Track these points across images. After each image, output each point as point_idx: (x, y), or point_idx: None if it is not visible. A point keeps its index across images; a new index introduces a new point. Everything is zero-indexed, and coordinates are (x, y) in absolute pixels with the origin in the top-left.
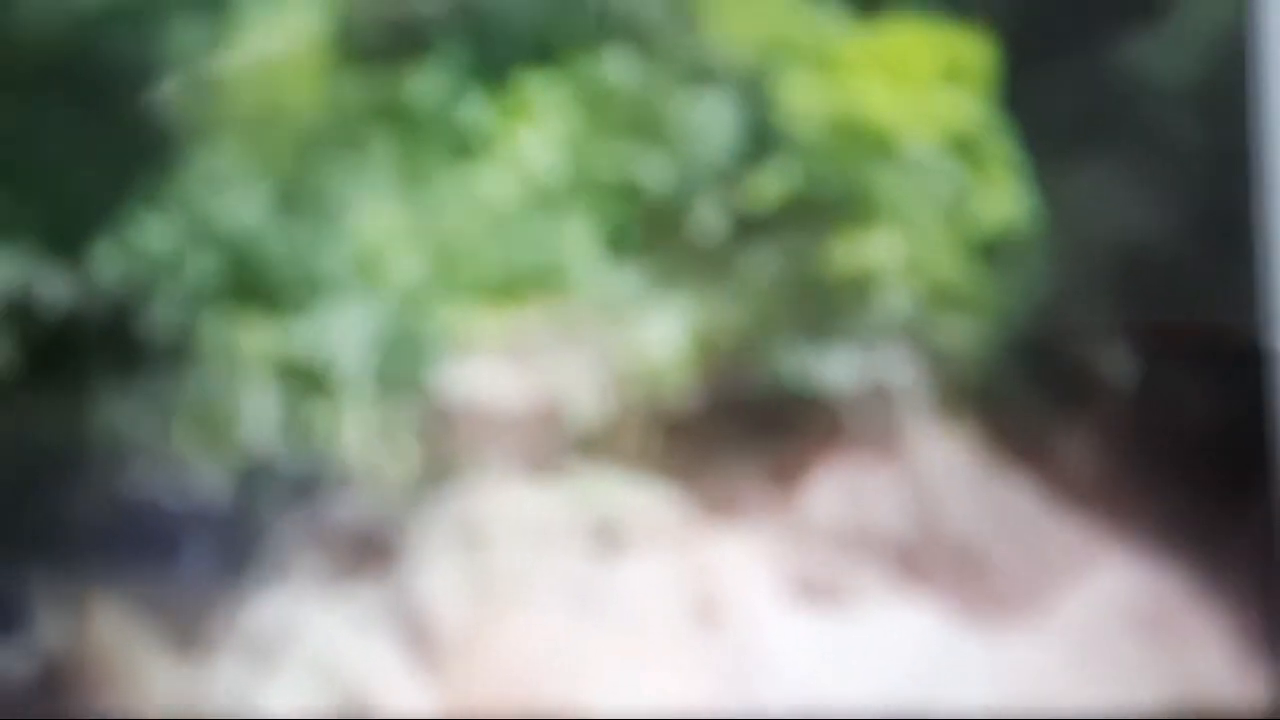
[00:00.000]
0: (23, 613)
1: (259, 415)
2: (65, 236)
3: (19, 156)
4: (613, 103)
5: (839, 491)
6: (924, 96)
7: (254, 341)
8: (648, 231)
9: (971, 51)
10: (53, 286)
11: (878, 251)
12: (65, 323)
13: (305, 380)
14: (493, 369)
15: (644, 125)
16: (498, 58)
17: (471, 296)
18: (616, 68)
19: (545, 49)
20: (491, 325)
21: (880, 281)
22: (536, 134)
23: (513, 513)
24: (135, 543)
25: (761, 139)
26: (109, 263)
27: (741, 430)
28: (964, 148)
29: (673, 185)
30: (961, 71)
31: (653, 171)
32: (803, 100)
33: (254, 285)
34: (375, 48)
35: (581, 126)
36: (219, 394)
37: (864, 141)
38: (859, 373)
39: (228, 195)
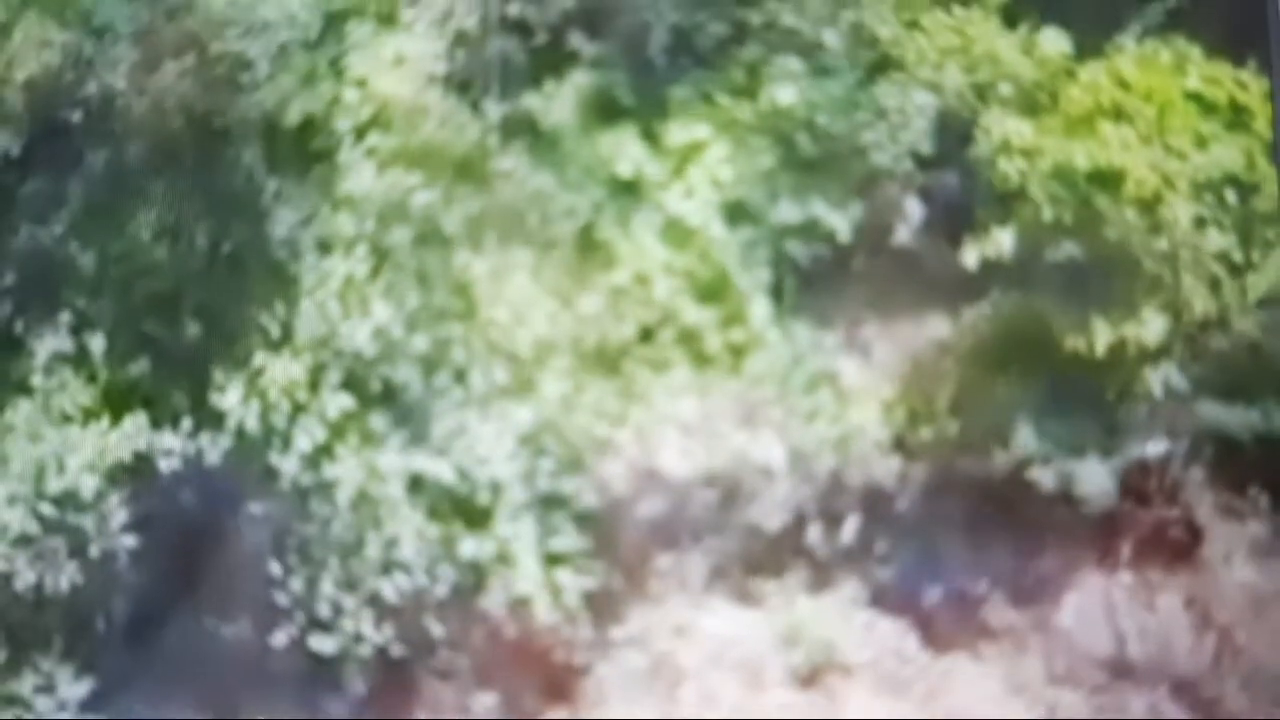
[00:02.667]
0: None
1: (405, 542)
2: (194, 375)
3: (159, 285)
4: (789, 135)
5: (1104, 608)
6: (1183, 143)
7: (393, 464)
8: (836, 281)
9: (1238, 88)
10: (179, 436)
11: (1143, 326)
12: (197, 470)
13: (453, 501)
14: (668, 461)
15: (825, 159)
16: (652, 84)
17: (632, 386)
18: (791, 94)
19: (706, 74)
20: (661, 413)
21: (1144, 357)
22: (701, 176)
23: (707, 639)
24: (282, 684)
25: (969, 185)
26: (239, 398)
27: (972, 528)
28: (1237, 200)
29: (863, 229)
30: (1230, 112)
31: (838, 213)
32: (1020, 144)
33: (388, 405)
34: (510, 81)
35: (752, 163)
36: (361, 524)
37: (1108, 196)
38: (1122, 460)
39: (356, 313)
